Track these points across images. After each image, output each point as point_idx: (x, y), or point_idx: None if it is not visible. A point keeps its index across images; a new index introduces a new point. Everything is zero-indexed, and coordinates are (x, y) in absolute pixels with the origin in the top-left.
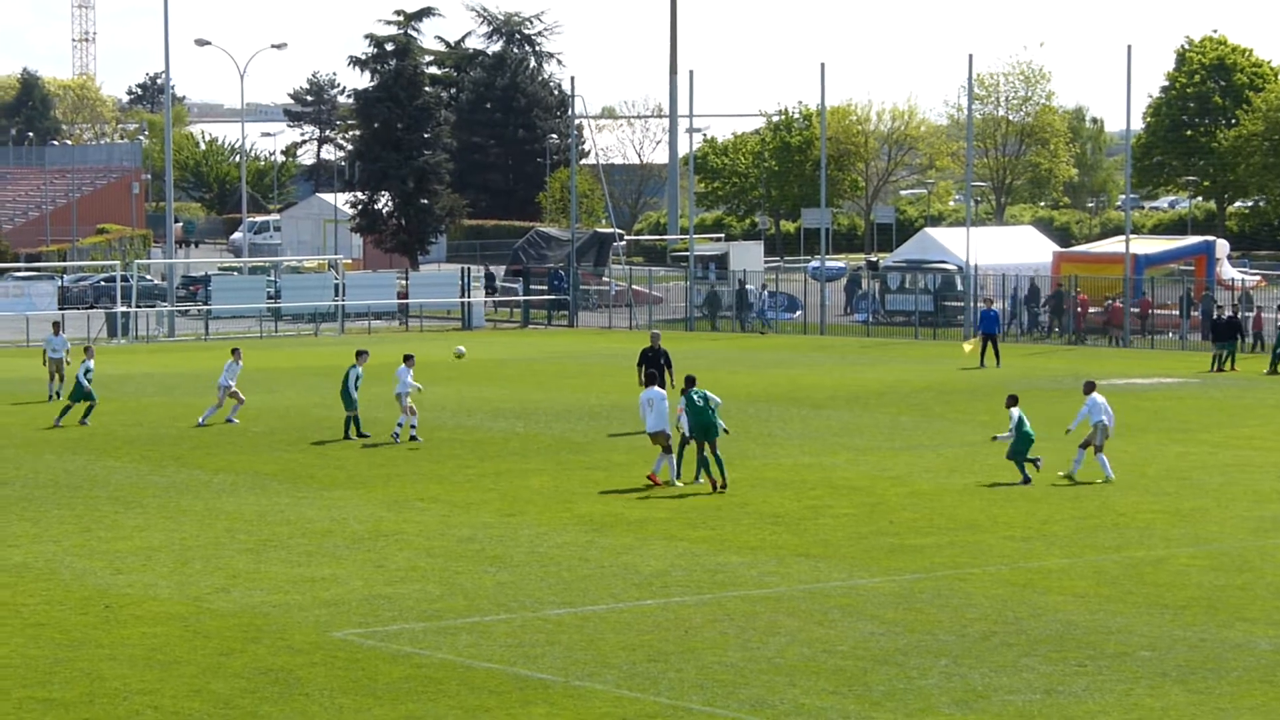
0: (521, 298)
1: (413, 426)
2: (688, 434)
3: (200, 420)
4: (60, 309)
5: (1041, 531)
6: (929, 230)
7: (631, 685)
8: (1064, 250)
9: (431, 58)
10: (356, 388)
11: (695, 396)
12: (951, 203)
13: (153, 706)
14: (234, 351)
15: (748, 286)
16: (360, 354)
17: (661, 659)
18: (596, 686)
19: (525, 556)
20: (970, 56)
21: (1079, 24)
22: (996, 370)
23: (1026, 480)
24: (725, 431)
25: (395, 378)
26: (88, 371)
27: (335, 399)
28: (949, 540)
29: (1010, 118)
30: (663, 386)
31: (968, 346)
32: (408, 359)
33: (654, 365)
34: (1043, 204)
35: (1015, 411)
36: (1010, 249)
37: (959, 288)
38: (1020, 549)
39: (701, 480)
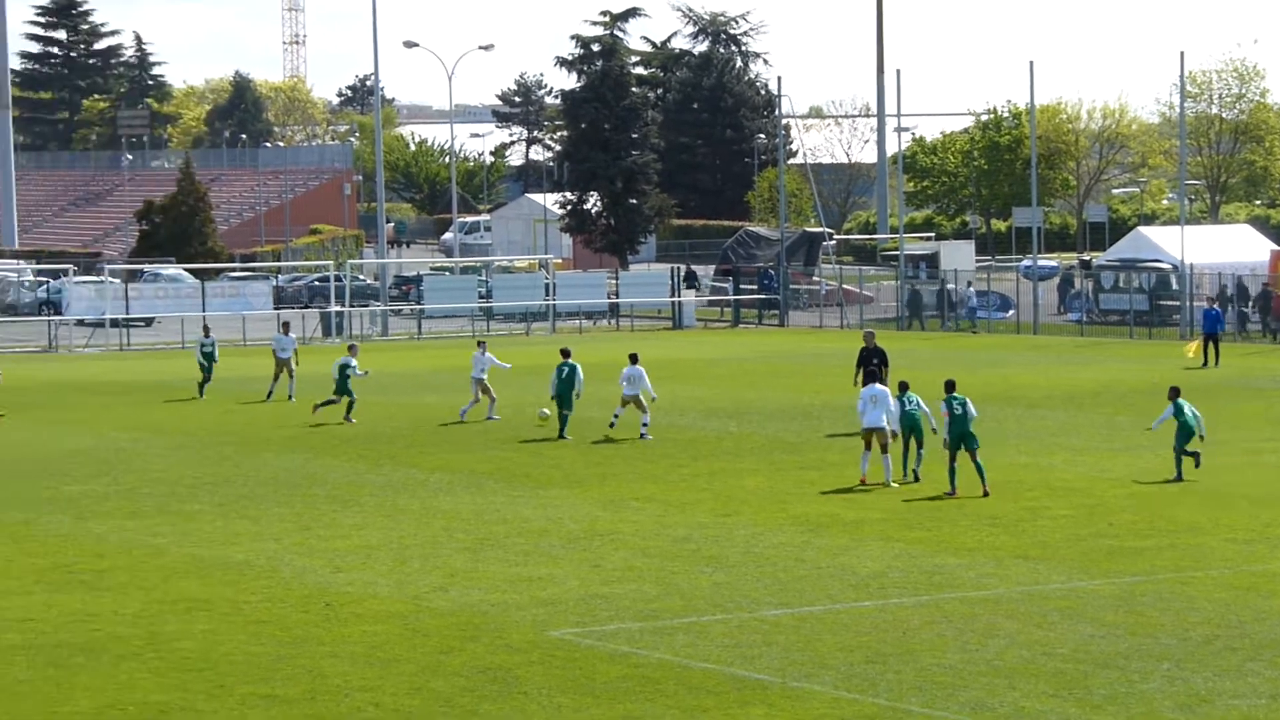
0: (732, 297)
1: (616, 416)
2: (897, 432)
3: (461, 414)
4: (275, 309)
5: (1265, 534)
6: (1142, 229)
7: (850, 686)
8: None
9: (638, 58)
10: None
11: (954, 403)
12: (1165, 201)
13: (373, 704)
14: (480, 344)
15: (950, 286)
16: (565, 352)
17: (879, 660)
18: (814, 687)
19: (741, 557)
20: (1182, 54)
21: None
22: (1215, 370)
23: (1179, 477)
24: (934, 431)
25: (628, 379)
26: (345, 368)
27: (547, 399)
28: (1169, 543)
29: (1224, 115)
30: (883, 384)
31: (1190, 350)
32: (634, 358)
33: (871, 364)
34: (1259, 202)
35: (1174, 404)
36: (1225, 248)
37: (1174, 287)
38: (1243, 552)
39: (916, 479)
